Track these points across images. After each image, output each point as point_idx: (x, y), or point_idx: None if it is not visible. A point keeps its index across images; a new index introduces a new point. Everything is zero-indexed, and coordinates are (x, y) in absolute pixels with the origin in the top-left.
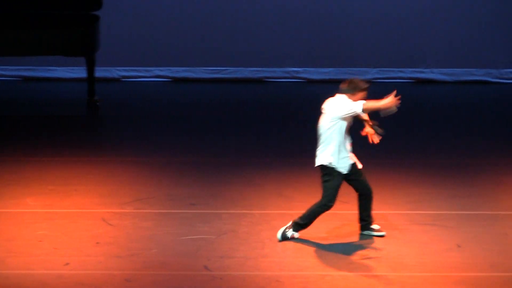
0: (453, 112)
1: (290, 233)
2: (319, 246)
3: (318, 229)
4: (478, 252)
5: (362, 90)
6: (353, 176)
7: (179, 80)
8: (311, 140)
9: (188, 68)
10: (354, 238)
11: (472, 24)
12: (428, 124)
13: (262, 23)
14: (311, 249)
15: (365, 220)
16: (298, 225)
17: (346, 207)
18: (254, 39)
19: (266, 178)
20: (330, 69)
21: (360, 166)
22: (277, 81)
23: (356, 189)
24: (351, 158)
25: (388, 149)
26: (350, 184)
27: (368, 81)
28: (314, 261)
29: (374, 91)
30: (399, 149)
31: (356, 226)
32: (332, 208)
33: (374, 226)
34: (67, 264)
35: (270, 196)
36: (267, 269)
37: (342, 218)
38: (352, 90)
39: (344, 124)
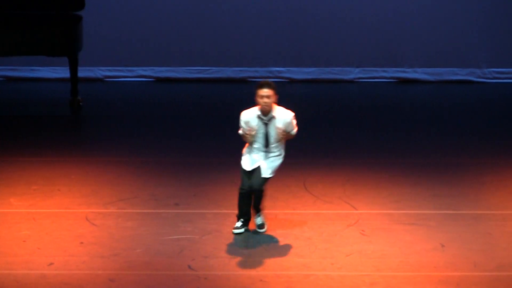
0: (436, 112)
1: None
2: (303, 246)
3: (302, 229)
4: (462, 252)
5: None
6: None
7: (162, 80)
8: (295, 139)
9: (171, 68)
10: (338, 238)
11: (456, 24)
12: (411, 124)
13: (245, 23)
14: (295, 249)
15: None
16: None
17: (329, 207)
18: (237, 39)
19: None
20: (313, 68)
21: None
22: (260, 81)
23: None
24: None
25: (370, 149)
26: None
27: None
28: (298, 261)
29: (358, 91)
30: (381, 148)
31: (339, 225)
32: (316, 208)
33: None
34: (51, 264)
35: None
36: (251, 268)
37: (325, 218)
38: None
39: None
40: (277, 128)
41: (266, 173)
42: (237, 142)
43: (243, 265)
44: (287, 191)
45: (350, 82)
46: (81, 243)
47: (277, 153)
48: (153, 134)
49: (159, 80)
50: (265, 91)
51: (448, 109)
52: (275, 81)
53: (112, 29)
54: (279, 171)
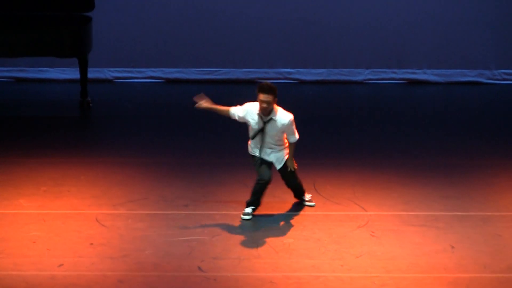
0: (445, 113)
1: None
2: (313, 248)
3: (312, 231)
4: (471, 253)
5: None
6: None
7: (172, 81)
8: (304, 141)
9: (180, 69)
10: (348, 239)
11: (465, 25)
12: (420, 125)
13: (255, 25)
14: (305, 250)
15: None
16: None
17: (339, 208)
18: (247, 40)
19: None
20: (323, 70)
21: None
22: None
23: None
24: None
25: (379, 150)
26: None
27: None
28: (308, 262)
29: (367, 92)
30: (390, 150)
31: (349, 227)
32: (325, 209)
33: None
34: (60, 265)
35: (263, 198)
36: (260, 270)
37: (335, 219)
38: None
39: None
40: (275, 130)
41: (278, 165)
42: (245, 143)
43: (253, 266)
44: None
45: (360, 83)
46: (91, 244)
47: (280, 152)
48: (163, 135)
49: (169, 81)
50: (264, 97)
51: (457, 110)
52: (284, 83)
53: (122, 30)
54: None
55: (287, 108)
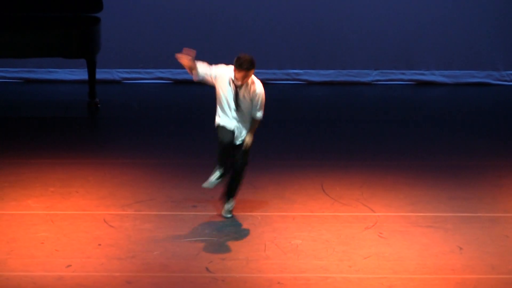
0: (453, 114)
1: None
2: (321, 249)
3: (320, 232)
4: (479, 255)
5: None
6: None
7: (180, 82)
8: (312, 142)
9: None
10: (356, 240)
11: (473, 26)
12: (428, 126)
13: (263, 26)
14: (313, 251)
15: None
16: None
17: (347, 209)
18: (255, 42)
19: (267, 180)
20: (331, 71)
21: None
22: (277, 83)
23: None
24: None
25: (387, 151)
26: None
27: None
28: (316, 263)
29: (375, 93)
30: (397, 151)
31: (357, 228)
32: (333, 210)
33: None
34: (68, 266)
35: (271, 199)
36: (269, 271)
37: (343, 220)
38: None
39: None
40: (248, 98)
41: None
42: (255, 144)
43: (261, 267)
44: (305, 193)
45: (368, 84)
46: (99, 245)
47: (245, 130)
48: (170, 136)
49: (177, 82)
50: (239, 73)
51: (465, 111)
52: (293, 84)
53: (130, 31)
54: (296, 173)
55: (294, 109)
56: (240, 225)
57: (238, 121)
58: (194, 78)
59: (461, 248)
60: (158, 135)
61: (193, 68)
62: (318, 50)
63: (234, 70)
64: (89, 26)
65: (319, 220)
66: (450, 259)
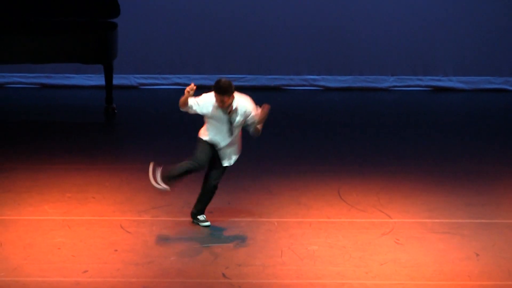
0: (470, 121)
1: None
2: (338, 255)
3: (337, 238)
4: (496, 261)
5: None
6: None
7: (197, 87)
8: (329, 148)
9: (205, 75)
10: (372, 246)
11: (491, 32)
12: (445, 132)
13: (280, 31)
14: (329, 258)
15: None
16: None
17: (363, 215)
18: (272, 47)
19: (283, 186)
20: (348, 77)
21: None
22: (295, 89)
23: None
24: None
25: (404, 157)
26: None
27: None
28: (332, 269)
29: (393, 99)
30: (415, 157)
31: (374, 234)
32: (350, 216)
33: (200, 217)
34: (85, 271)
35: (287, 204)
36: (285, 277)
37: (359, 226)
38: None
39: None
40: (240, 117)
41: (226, 163)
42: (270, 150)
43: (277, 273)
44: (322, 199)
45: (385, 90)
46: (115, 250)
47: (236, 145)
48: (187, 142)
49: None
50: (224, 98)
51: (483, 117)
52: (310, 89)
53: (147, 36)
54: (313, 179)
55: (311, 115)
56: (256, 231)
57: (230, 145)
58: (181, 108)
59: (478, 254)
60: (174, 140)
61: (186, 104)
62: (335, 56)
63: (215, 95)
64: (106, 31)
65: (335, 226)
66: (467, 266)
